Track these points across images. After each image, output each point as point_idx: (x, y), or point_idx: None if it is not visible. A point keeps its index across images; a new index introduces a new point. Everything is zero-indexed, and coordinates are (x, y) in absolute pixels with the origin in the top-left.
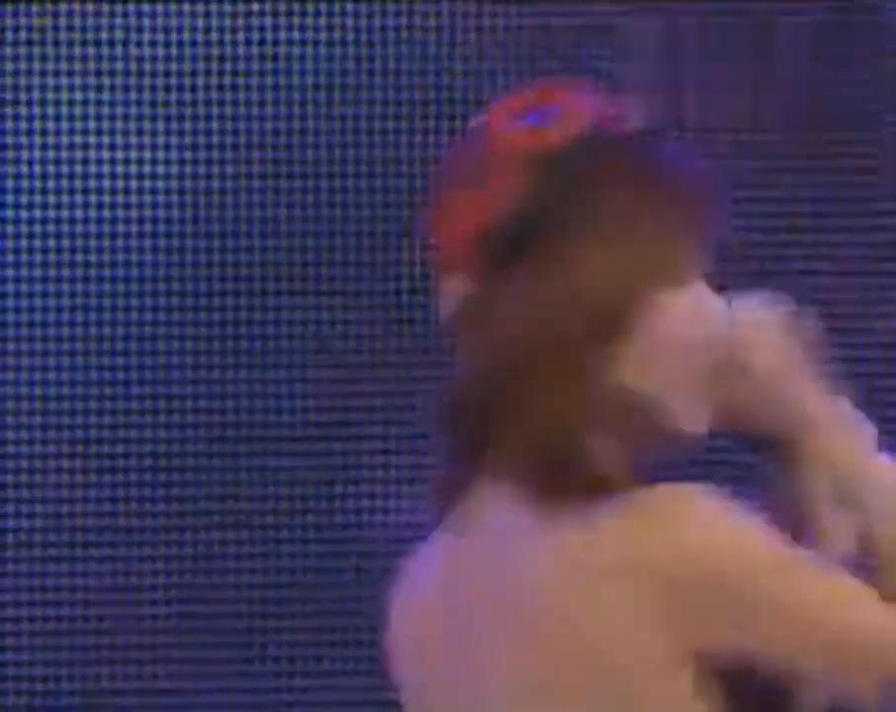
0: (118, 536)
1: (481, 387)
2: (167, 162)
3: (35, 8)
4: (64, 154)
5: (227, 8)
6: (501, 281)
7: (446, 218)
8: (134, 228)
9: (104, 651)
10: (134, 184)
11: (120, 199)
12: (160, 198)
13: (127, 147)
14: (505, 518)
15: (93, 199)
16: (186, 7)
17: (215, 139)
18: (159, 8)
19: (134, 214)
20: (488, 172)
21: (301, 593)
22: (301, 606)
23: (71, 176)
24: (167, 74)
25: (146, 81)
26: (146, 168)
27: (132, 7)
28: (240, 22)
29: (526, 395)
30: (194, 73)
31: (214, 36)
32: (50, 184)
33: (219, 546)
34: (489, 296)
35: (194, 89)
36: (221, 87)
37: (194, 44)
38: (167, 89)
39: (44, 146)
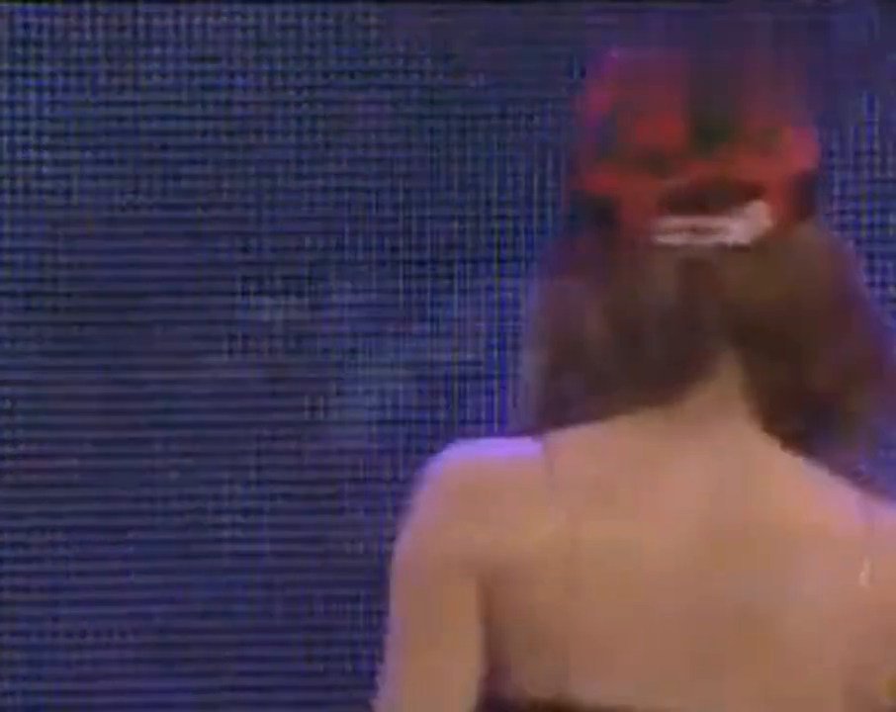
0: (56, 536)
1: (762, 313)
2: (55, 163)
3: None
4: None
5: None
6: (802, 225)
7: (776, 146)
8: (33, 229)
9: (45, 652)
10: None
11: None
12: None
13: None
14: (759, 453)
15: None
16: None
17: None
18: (58, 7)
19: (19, 214)
20: (800, 123)
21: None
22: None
23: None
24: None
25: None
26: (32, 169)
27: (30, 7)
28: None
29: (815, 338)
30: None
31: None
32: None
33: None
34: (793, 237)
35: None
36: (122, 88)
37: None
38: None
39: None
